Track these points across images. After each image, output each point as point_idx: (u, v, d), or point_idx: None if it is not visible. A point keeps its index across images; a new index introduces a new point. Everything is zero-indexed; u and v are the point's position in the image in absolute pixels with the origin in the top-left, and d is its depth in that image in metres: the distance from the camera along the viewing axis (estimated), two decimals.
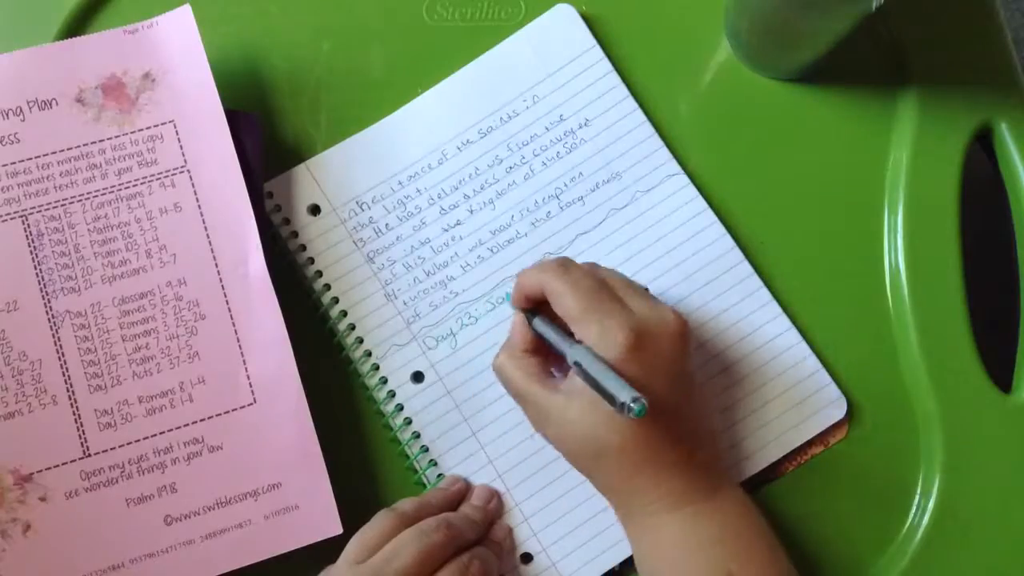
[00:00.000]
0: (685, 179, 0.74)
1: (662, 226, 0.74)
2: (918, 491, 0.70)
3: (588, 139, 0.75)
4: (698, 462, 0.62)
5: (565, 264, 0.64)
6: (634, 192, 0.74)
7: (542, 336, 0.65)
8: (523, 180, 0.75)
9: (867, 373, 0.71)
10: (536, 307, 0.66)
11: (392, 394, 0.71)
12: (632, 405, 0.53)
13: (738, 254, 0.73)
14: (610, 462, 0.62)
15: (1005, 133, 0.75)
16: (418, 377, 0.72)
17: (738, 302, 0.73)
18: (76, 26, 0.76)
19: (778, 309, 0.72)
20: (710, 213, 0.74)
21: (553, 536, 0.70)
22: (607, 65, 0.76)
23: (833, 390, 0.71)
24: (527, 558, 0.70)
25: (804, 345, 0.72)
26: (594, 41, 0.76)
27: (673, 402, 0.61)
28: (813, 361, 0.72)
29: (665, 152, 0.75)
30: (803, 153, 0.75)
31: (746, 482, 0.70)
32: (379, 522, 0.65)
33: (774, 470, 0.71)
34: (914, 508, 0.70)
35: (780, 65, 0.76)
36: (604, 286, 0.63)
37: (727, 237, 0.73)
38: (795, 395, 0.71)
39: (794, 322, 0.72)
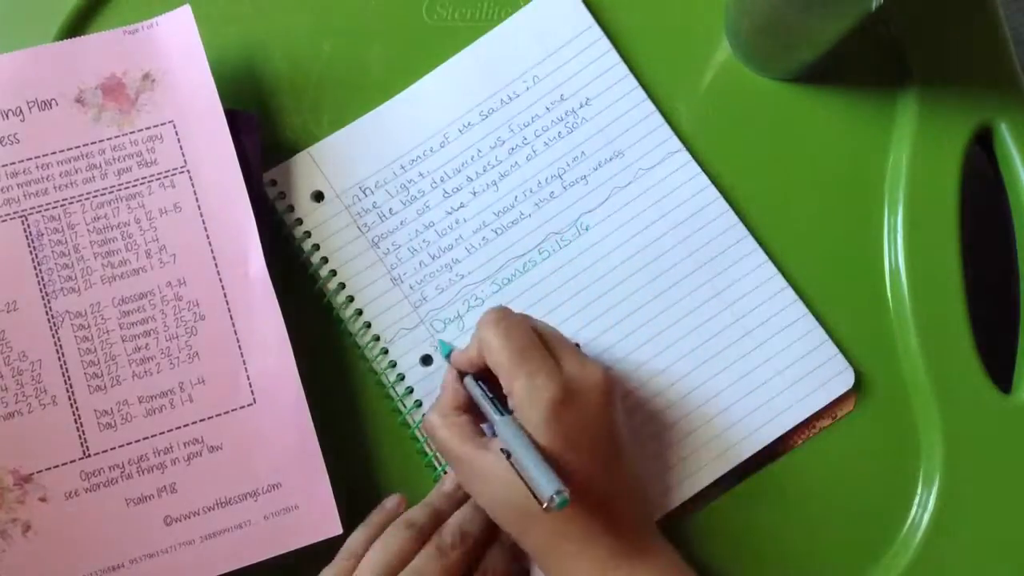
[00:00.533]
0: (687, 156, 0.66)
1: (666, 203, 0.66)
2: (918, 490, 0.63)
3: (589, 118, 0.67)
4: (627, 522, 0.55)
5: (499, 316, 0.57)
6: (637, 170, 0.66)
7: (473, 395, 0.58)
8: (525, 161, 0.67)
9: (867, 373, 0.64)
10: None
11: (402, 377, 0.64)
12: (555, 498, 0.47)
13: (742, 229, 0.65)
14: (537, 525, 0.53)
15: (1005, 133, 0.68)
16: (427, 360, 0.64)
17: (742, 276, 0.65)
18: (76, 26, 0.69)
19: (783, 282, 0.65)
20: (713, 190, 0.66)
21: None
22: (606, 44, 0.68)
23: (840, 361, 0.64)
24: None
25: (810, 318, 0.64)
26: (592, 20, 0.68)
27: (600, 463, 0.54)
28: (819, 333, 0.64)
29: (667, 130, 0.67)
30: (803, 153, 0.68)
31: (755, 457, 0.63)
32: (396, 541, 0.56)
33: (783, 444, 0.63)
34: (914, 507, 0.63)
35: (780, 65, 0.68)
36: (536, 339, 0.56)
37: (730, 213, 0.65)
38: (803, 367, 0.64)
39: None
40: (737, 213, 0.65)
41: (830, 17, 0.59)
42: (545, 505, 0.47)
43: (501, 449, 0.51)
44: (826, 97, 0.68)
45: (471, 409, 0.58)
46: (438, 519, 0.58)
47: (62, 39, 0.67)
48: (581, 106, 0.66)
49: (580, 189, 0.65)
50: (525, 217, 0.65)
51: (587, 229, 0.65)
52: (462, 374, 0.58)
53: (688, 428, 0.62)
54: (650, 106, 0.66)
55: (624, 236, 0.65)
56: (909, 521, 0.62)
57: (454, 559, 0.55)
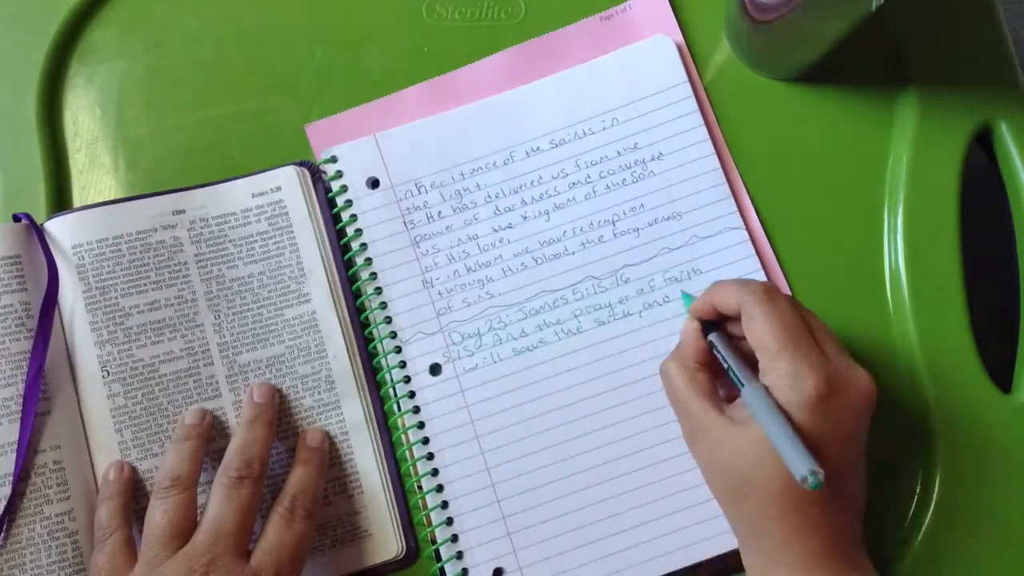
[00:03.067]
0: (744, 235, 0.63)
1: (710, 277, 0.63)
2: (918, 490, 0.62)
3: (658, 173, 0.65)
4: (844, 528, 0.52)
5: (772, 291, 0.53)
6: (691, 236, 0.64)
7: (718, 354, 0.55)
8: (583, 199, 0.64)
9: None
10: (715, 322, 0.56)
11: (407, 379, 0.62)
12: (809, 478, 0.46)
13: None
14: (757, 503, 0.51)
15: (1005, 133, 0.66)
16: (436, 369, 0.63)
17: None
18: (76, 26, 0.68)
19: None
20: (761, 276, 0.63)
21: (531, 558, 0.60)
22: (693, 104, 0.65)
23: None
24: (499, 573, 0.60)
25: None
26: (686, 78, 0.66)
27: (840, 464, 0.51)
28: None
29: (731, 203, 0.64)
30: (803, 153, 0.66)
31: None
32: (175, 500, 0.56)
33: None
34: (914, 508, 0.62)
35: (780, 65, 0.66)
36: (806, 326, 0.53)
37: None
38: None
39: None
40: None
41: (830, 17, 0.58)
42: (798, 482, 0.46)
43: (750, 404, 0.50)
44: (826, 97, 0.67)
45: (710, 367, 0.55)
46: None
47: (62, 39, 0.67)
48: (653, 159, 0.64)
49: (630, 240, 0.63)
50: (568, 254, 0.63)
51: (626, 282, 0.62)
52: (704, 328, 0.56)
53: (667, 509, 0.60)
54: (720, 176, 0.64)
55: (660, 297, 0.62)
56: (909, 520, 0.61)
57: (246, 492, 0.55)
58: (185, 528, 0.54)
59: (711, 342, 0.55)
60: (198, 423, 0.59)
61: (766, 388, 0.50)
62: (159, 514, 0.55)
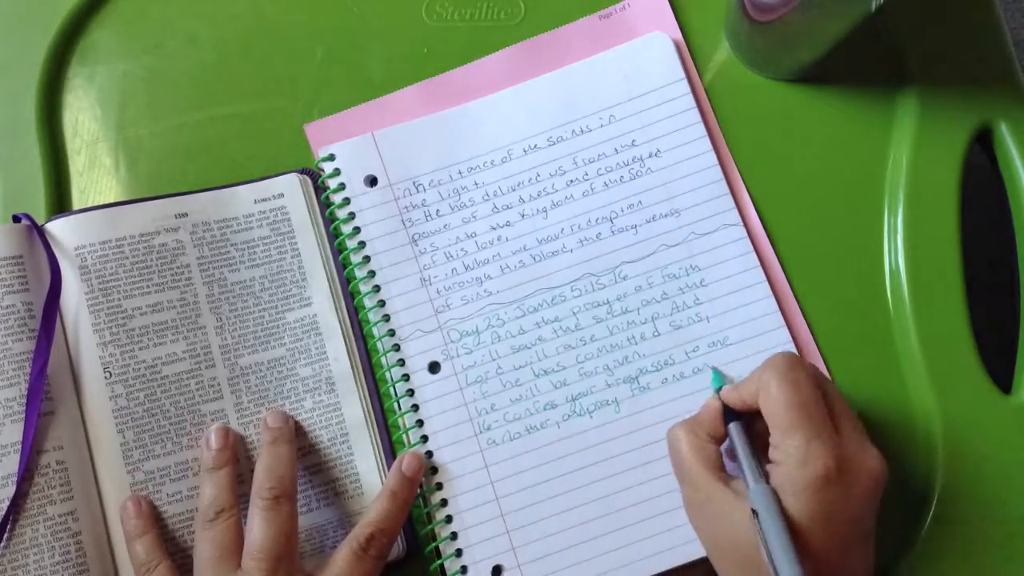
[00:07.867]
0: (743, 232, 0.62)
1: (709, 273, 0.62)
2: (918, 491, 0.61)
3: (655, 170, 0.63)
4: None
5: (793, 361, 0.52)
6: (689, 233, 0.63)
7: (733, 443, 0.54)
8: (581, 196, 0.63)
9: (867, 373, 0.62)
10: (738, 412, 0.55)
11: (406, 378, 0.61)
12: None
13: (779, 319, 0.61)
14: None
15: (1005, 133, 0.65)
16: (435, 367, 0.62)
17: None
18: (76, 26, 0.68)
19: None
20: (760, 272, 0.62)
21: (531, 555, 0.59)
22: (691, 101, 0.64)
23: None
24: (498, 570, 0.59)
25: None
26: (683, 75, 0.64)
27: (844, 547, 0.49)
28: None
29: (729, 200, 0.63)
30: (803, 154, 0.65)
31: None
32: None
33: None
34: (914, 508, 0.60)
35: (780, 65, 0.65)
36: (821, 400, 0.51)
37: (772, 300, 0.62)
38: None
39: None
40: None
41: (830, 17, 0.57)
42: None
43: (752, 510, 0.48)
44: (826, 97, 0.66)
45: (721, 442, 0.54)
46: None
47: (62, 39, 0.67)
48: (650, 155, 0.63)
49: (628, 237, 0.62)
50: (566, 251, 0.62)
51: (625, 278, 0.61)
52: (728, 413, 0.54)
53: (664, 507, 0.59)
54: (719, 173, 0.62)
55: (658, 294, 0.61)
56: (909, 520, 0.60)
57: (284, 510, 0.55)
58: (235, 548, 0.54)
59: (730, 430, 0.54)
60: (225, 446, 0.58)
61: (770, 487, 0.49)
62: (209, 543, 0.54)
